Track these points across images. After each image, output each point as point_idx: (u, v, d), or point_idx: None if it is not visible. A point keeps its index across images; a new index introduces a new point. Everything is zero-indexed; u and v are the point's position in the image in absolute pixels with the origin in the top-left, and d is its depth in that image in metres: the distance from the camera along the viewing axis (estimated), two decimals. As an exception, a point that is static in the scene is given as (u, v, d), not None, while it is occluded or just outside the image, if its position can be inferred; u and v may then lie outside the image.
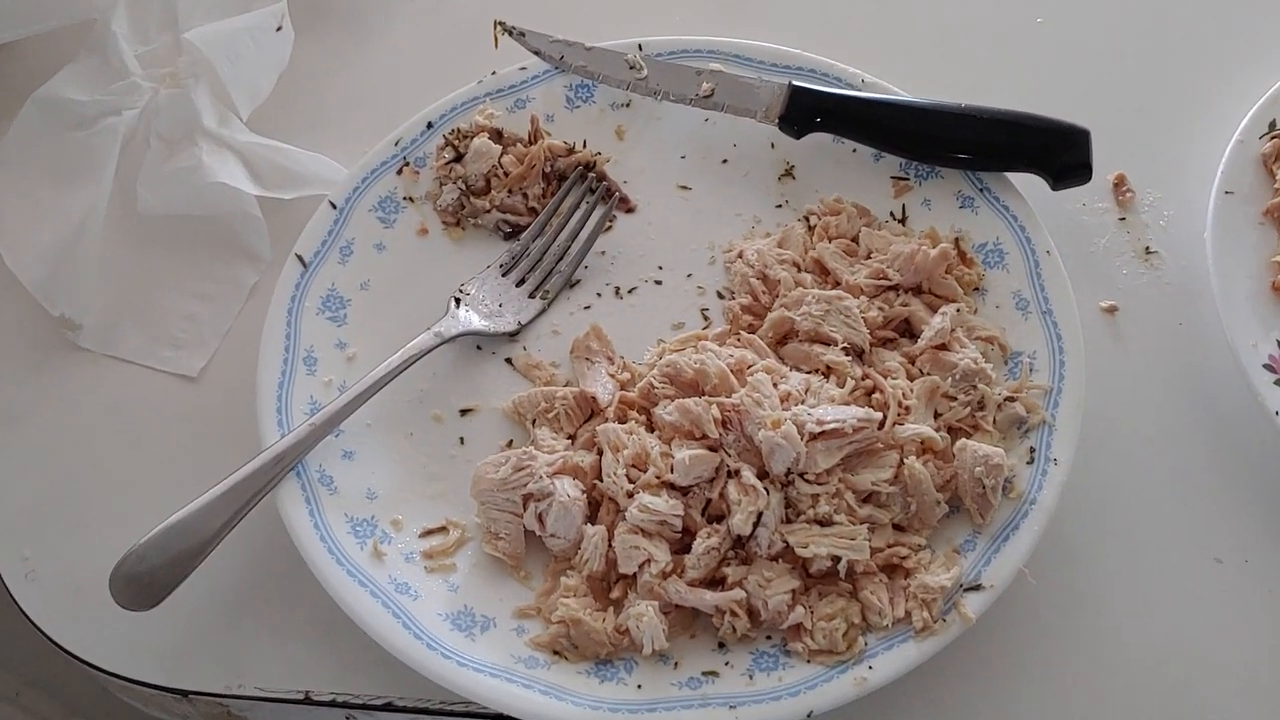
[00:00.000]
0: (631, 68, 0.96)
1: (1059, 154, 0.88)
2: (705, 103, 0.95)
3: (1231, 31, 1.03)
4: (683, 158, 0.97)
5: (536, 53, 0.98)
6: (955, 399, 0.80)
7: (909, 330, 0.85)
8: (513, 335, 0.89)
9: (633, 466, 0.78)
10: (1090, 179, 0.88)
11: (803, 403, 0.78)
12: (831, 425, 0.76)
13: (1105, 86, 1.01)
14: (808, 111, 0.92)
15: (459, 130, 0.95)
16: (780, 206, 0.94)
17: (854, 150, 0.94)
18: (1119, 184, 0.96)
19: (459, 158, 0.94)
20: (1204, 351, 0.86)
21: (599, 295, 0.91)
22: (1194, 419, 0.85)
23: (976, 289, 0.87)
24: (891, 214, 0.92)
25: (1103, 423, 0.84)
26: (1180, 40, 1.03)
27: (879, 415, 0.78)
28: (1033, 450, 0.78)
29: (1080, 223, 0.94)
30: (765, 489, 0.75)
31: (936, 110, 0.90)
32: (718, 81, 0.95)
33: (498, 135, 0.95)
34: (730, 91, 0.94)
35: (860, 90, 0.93)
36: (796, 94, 0.92)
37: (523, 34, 0.98)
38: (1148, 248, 0.93)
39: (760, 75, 0.95)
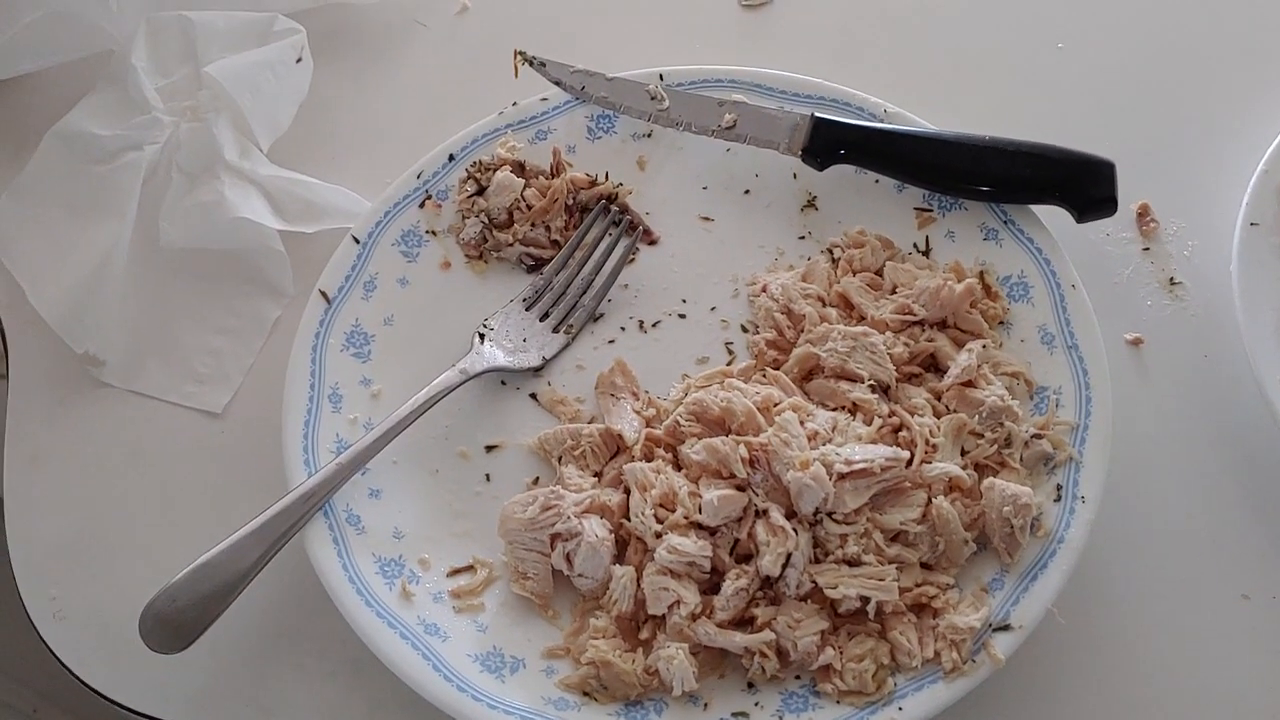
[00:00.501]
0: (653, 98, 0.96)
1: (1084, 187, 0.88)
2: (727, 134, 0.95)
3: (1257, 59, 1.02)
4: (705, 188, 0.97)
5: (557, 83, 0.98)
6: (982, 436, 0.80)
7: (934, 365, 0.85)
8: (537, 370, 0.89)
9: (660, 506, 0.78)
10: (1115, 211, 0.88)
11: (830, 441, 0.78)
12: (860, 465, 0.76)
13: (1128, 114, 1.01)
14: (831, 143, 0.92)
15: (481, 163, 0.95)
16: (803, 238, 0.94)
17: (876, 181, 0.93)
18: (1143, 214, 0.95)
19: (481, 191, 0.94)
20: (1230, 385, 0.86)
21: (623, 329, 0.91)
22: (1221, 453, 0.85)
23: (1001, 323, 0.87)
24: (915, 246, 0.91)
25: (1128, 457, 0.83)
26: (1204, 67, 1.03)
27: (906, 454, 0.78)
28: (1060, 487, 0.78)
29: (1104, 253, 0.94)
30: (794, 529, 0.75)
31: (960, 142, 0.90)
32: (740, 113, 0.95)
33: (520, 168, 0.95)
34: (752, 123, 0.94)
35: (882, 121, 0.93)
36: (819, 126, 0.92)
37: (544, 64, 0.98)
38: (1172, 279, 0.92)
39: (782, 105, 0.95)
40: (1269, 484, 0.83)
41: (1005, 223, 0.89)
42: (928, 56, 1.06)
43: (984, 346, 0.84)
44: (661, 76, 0.98)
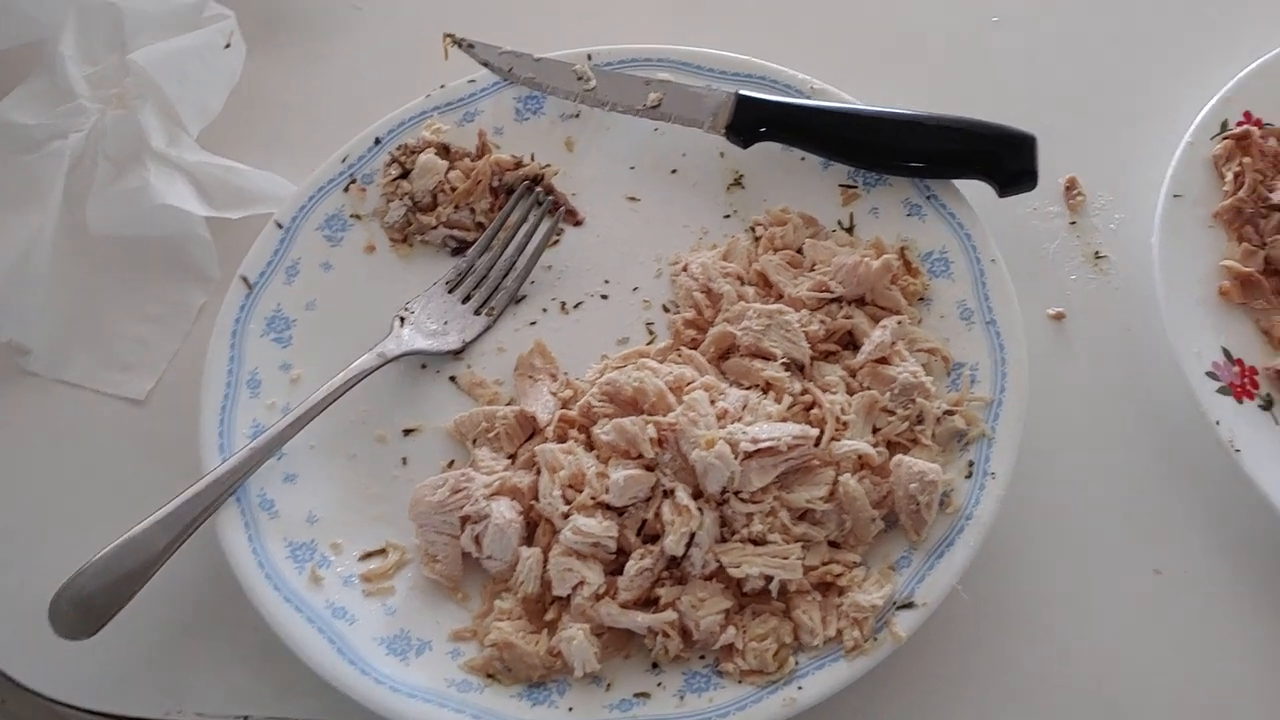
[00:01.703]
0: (579, 79, 0.96)
1: (1004, 161, 0.87)
2: (652, 113, 0.94)
3: (1187, 31, 1.02)
4: (632, 168, 0.96)
5: (485, 64, 0.97)
6: (894, 413, 0.80)
7: (852, 343, 0.85)
8: (457, 353, 0.89)
9: (569, 487, 0.78)
10: (1035, 186, 0.87)
11: (740, 420, 0.78)
12: (766, 443, 0.75)
13: (1060, 87, 1.00)
14: (754, 121, 0.92)
15: (406, 146, 0.95)
16: (729, 217, 0.93)
17: (802, 159, 0.93)
18: (1070, 187, 0.95)
19: (405, 174, 0.94)
20: (1150, 359, 0.85)
21: (544, 311, 0.91)
22: (1138, 428, 0.84)
23: (922, 299, 0.86)
24: (839, 223, 0.91)
25: (1046, 433, 0.83)
26: (1136, 39, 1.02)
27: (815, 432, 0.77)
28: (972, 464, 0.78)
29: (1031, 227, 0.93)
30: (699, 509, 0.75)
31: (881, 118, 0.90)
32: (665, 91, 0.94)
33: (445, 150, 0.95)
34: (677, 101, 0.94)
35: (809, 97, 0.93)
36: (742, 104, 0.92)
37: (471, 46, 0.98)
38: (1097, 252, 0.92)
39: (710, 84, 0.95)
40: (1184, 458, 0.82)
41: (928, 198, 0.89)
42: (864, 30, 1.06)
43: (900, 323, 0.83)
44: (590, 57, 0.97)
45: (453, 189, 0.93)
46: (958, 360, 0.83)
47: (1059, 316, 0.89)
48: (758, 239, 0.91)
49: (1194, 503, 0.81)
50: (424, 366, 0.88)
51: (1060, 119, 0.97)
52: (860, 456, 0.78)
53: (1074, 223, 0.93)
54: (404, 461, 0.85)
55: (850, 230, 0.90)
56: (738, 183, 0.94)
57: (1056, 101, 0.99)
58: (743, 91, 0.92)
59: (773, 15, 1.07)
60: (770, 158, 0.93)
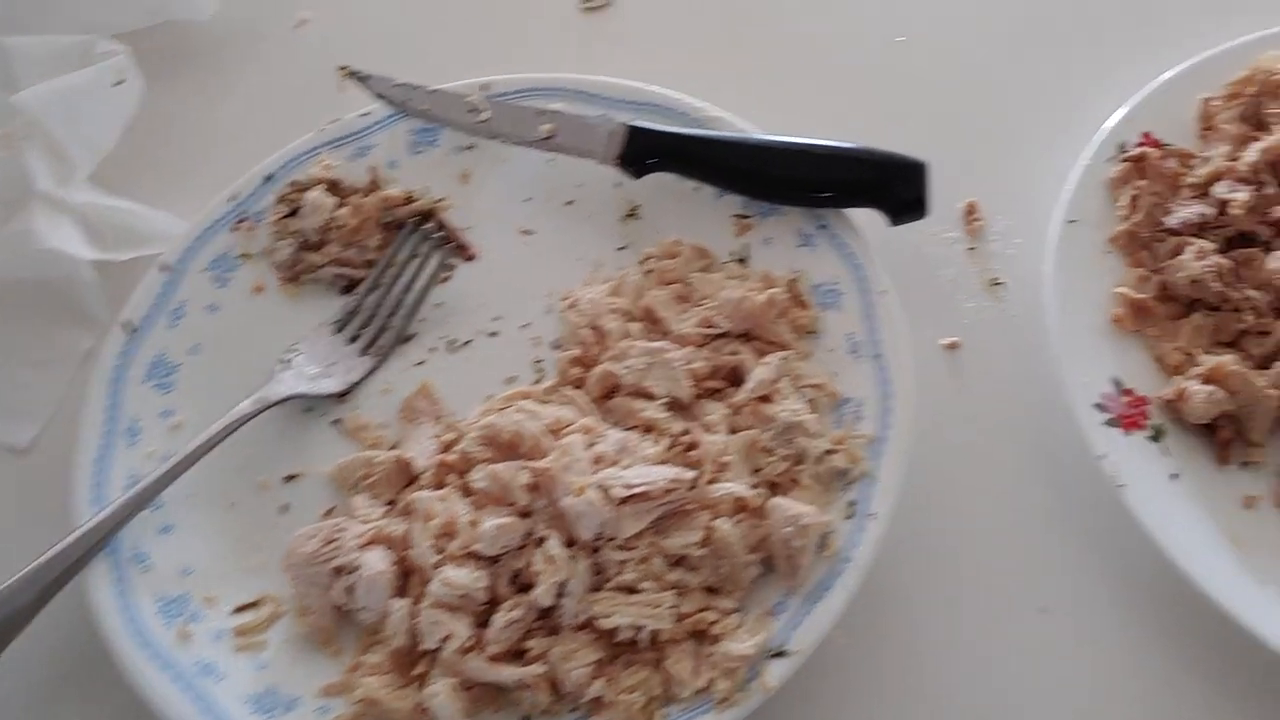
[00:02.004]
0: (473, 110, 0.94)
1: (894, 189, 0.86)
2: (545, 144, 0.93)
3: (1092, 51, 1.00)
4: (528, 200, 0.95)
5: (380, 97, 0.96)
6: (774, 454, 0.78)
7: (739, 379, 0.83)
8: (342, 396, 0.87)
9: (442, 536, 0.76)
10: (926, 214, 0.86)
11: (617, 464, 0.76)
12: (640, 488, 0.74)
13: (965, 108, 0.99)
14: (645, 151, 0.90)
15: (296, 183, 0.93)
16: (623, 249, 0.92)
17: (696, 189, 0.91)
18: (969, 212, 0.93)
19: (294, 212, 0.92)
20: (1042, 390, 0.84)
21: (433, 350, 0.89)
22: (1029, 461, 0.83)
23: (811, 332, 0.84)
24: (732, 254, 0.89)
25: (935, 468, 0.81)
26: (1042, 59, 1.01)
27: (691, 475, 0.76)
28: (853, 504, 0.76)
29: (928, 254, 0.92)
30: (571, 557, 0.73)
31: (770, 148, 0.88)
32: (558, 123, 0.93)
33: (335, 186, 0.93)
34: (570, 132, 0.92)
35: (705, 125, 0.91)
36: (634, 134, 0.90)
37: (366, 78, 0.96)
38: (994, 279, 0.90)
39: (607, 112, 0.93)
40: (1072, 493, 0.81)
41: (821, 228, 0.87)
42: (770, 54, 1.04)
43: (784, 359, 0.81)
44: (487, 87, 0.95)
45: (341, 226, 0.92)
46: (845, 395, 0.81)
47: (953, 346, 0.87)
48: (649, 272, 0.89)
49: (1082, 539, 0.79)
50: (309, 410, 0.87)
51: (964, 140, 0.95)
52: (738, 499, 0.76)
53: (972, 249, 0.91)
54: (285, 509, 0.83)
55: (744, 262, 0.89)
56: (633, 214, 0.93)
57: (960, 122, 0.97)
58: (634, 122, 0.91)
59: (677, 41, 1.06)
60: (666, 188, 0.92)
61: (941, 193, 0.91)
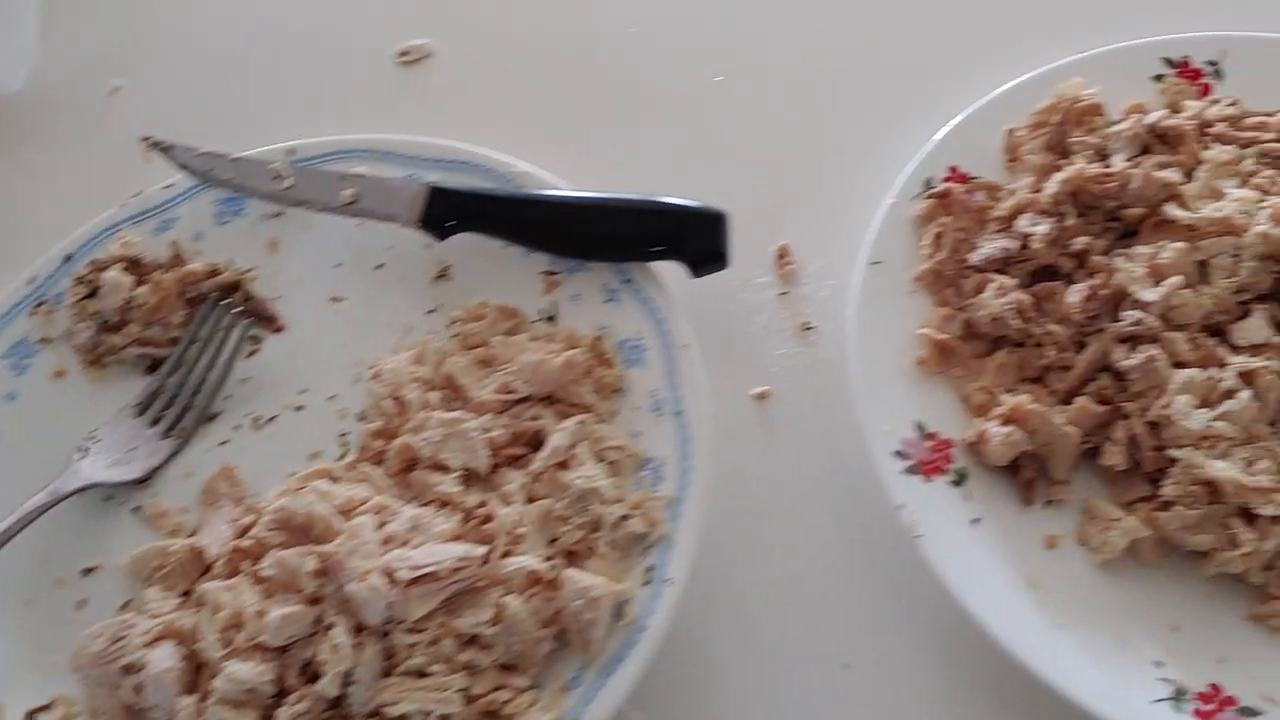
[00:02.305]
0: (276, 177, 0.92)
1: (691, 241, 0.85)
2: (350, 210, 0.91)
3: (904, 86, 0.99)
4: (337, 266, 0.93)
5: (183, 167, 0.94)
6: (570, 522, 0.76)
7: (542, 445, 0.81)
8: (142, 482, 0.85)
9: (231, 627, 0.74)
10: (727, 265, 0.85)
11: (408, 543, 0.75)
12: (428, 568, 0.72)
13: (780, 149, 0.98)
14: (446, 213, 0.89)
15: (95, 262, 0.91)
16: (432, 312, 0.90)
17: (505, 246, 0.90)
18: (781, 255, 0.92)
19: (94, 292, 0.90)
20: (848, 438, 0.82)
21: (237, 428, 0.87)
22: (834, 514, 0.81)
23: (617, 390, 0.83)
24: (541, 312, 0.88)
25: (744, 525, 0.80)
26: (856, 97, 0.99)
27: (481, 551, 0.74)
28: (651, 569, 0.75)
29: (741, 301, 0.91)
30: (358, 644, 0.71)
31: (566, 204, 0.87)
32: (361, 186, 0.91)
33: (135, 264, 0.91)
34: (373, 196, 0.91)
35: (514, 181, 0.90)
36: (434, 196, 0.89)
37: (169, 148, 0.94)
38: (806, 324, 0.89)
39: (415, 172, 0.92)
40: (877, 544, 0.80)
41: (626, 282, 0.86)
42: (593, 103, 1.03)
43: (582, 422, 0.80)
44: (293, 151, 0.94)
45: (142, 305, 0.89)
46: (648, 455, 0.80)
47: (763, 396, 0.86)
48: (455, 336, 0.87)
49: (885, 591, 0.78)
50: (109, 498, 0.85)
51: (780, 181, 0.95)
52: (530, 573, 0.74)
53: (785, 293, 0.90)
54: (82, 604, 0.81)
55: (552, 320, 0.87)
56: (444, 274, 0.91)
57: (777, 162, 0.97)
58: (439, 183, 0.89)
59: (497, 93, 1.04)
60: (476, 247, 0.90)
61: (756, 237, 0.90)
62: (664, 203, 0.85)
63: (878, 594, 0.78)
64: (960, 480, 0.79)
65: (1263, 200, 0.82)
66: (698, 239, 0.84)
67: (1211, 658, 0.73)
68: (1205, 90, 0.92)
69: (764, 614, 0.78)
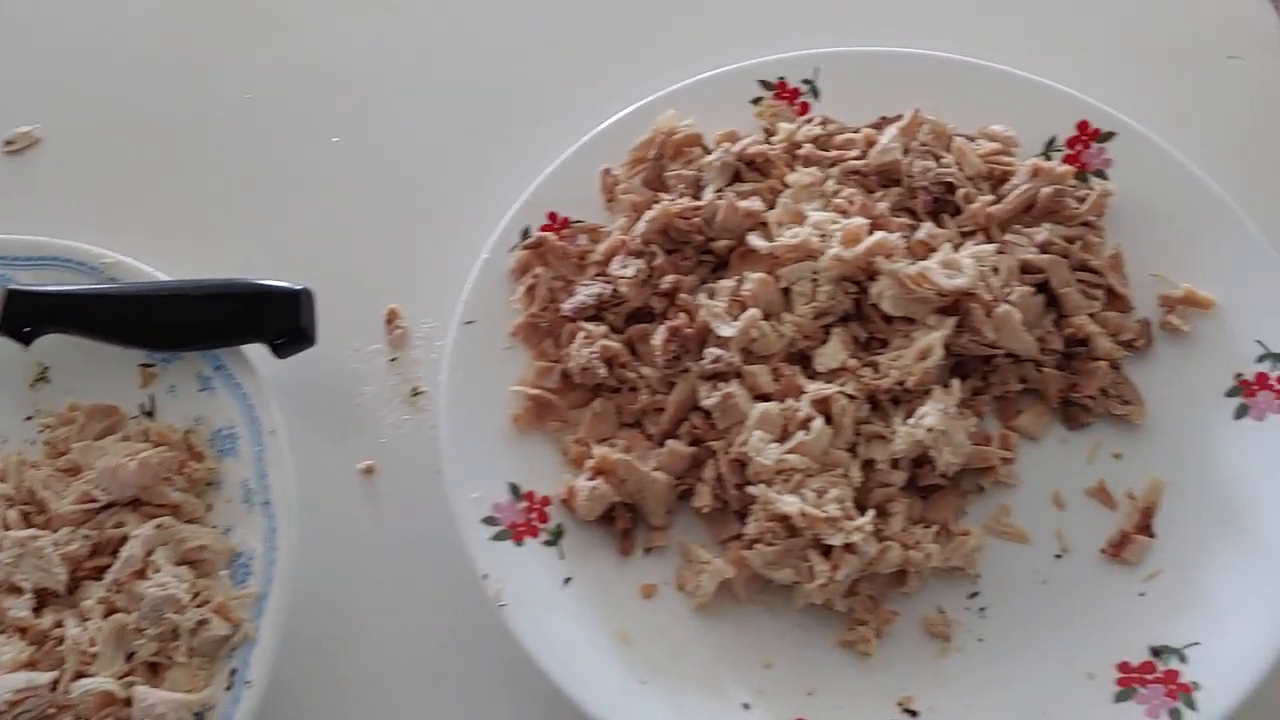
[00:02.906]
0: None
1: (269, 322, 0.82)
2: (-70, 330, 0.86)
3: (513, 136, 0.96)
4: (-78, 380, 0.88)
5: None
6: (146, 633, 0.74)
7: (129, 550, 0.78)
8: None
9: None
10: (312, 344, 0.82)
11: (-18, 679, 0.71)
12: (-10, 703, 0.69)
13: (393, 209, 0.95)
14: (25, 317, 0.85)
15: None
16: (30, 418, 0.86)
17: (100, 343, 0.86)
18: (390, 319, 0.90)
19: None
20: (447, 508, 0.80)
21: None
22: (436, 589, 0.79)
23: (211, 484, 0.80)
24: (140, 407, 0.84)
25: (343, 612, 0.78)
26: (467, 152, 0.97)
27: (49, 677, 0.71)
28: (234, 673, 0.72)
29: (351, 371, 0.88)
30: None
31: (149, 294, 0.84)
32: (-62, 293, 0.86)
33: None
34: (-48, 304, 0.86)
35: (106, 273, 0.86)
36: (12, 298, 0.85)
37: None
38: (415, 389, 0.87)
39: (7, 272, 0.88)
40: (475, 617, 0.76)
41: (218, 369, 0.83)
42: (207, 180, 0.97)
43: (158, 526, 0.77)
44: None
45: None
46: (239, 550, 0.77)
47: (369, 470, 0.84)
48: (46, 444, 0.84)
49: (489, 666, 0.76)
50: None
51: (392, 242, 0.92)
52: (104, 694, 0.71)
53: (394, 359, 0.88)
54: None
55: (151, 415, 0.84)
56: (43, 377, 0.87)
57: (389, 220, 0.94)
58: (15, 285, 0.85)
59: (105, 182, 0.98)
60: (73, 345, 0.86)
61: (366, 303, 0.88)
62: (242, 284, 0.83)
63: (480, 671, 0.77)
64: (555, 539, 0.78)
65: (837, 221, 0.82)
66: (275, 319, 0.82)
67: (801, 691, 0.74)
68: (804, 109, 0.92)
69: (366, 709, 0.76)
